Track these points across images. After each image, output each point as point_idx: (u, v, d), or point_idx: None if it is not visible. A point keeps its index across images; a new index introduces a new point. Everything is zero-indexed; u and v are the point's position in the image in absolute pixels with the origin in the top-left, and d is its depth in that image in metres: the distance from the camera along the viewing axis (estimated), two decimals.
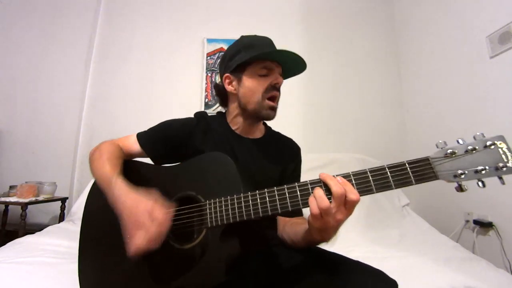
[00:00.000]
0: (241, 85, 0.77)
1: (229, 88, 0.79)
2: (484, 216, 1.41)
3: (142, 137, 0.80)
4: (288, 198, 0.53)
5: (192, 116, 0.85)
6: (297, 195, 0.52)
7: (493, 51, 1.38)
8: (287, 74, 0.81)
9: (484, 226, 1.38)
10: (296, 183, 0.53)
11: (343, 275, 0.53)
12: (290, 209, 0.52)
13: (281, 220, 0.76)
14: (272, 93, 0.75)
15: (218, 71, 2.15)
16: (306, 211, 0.76)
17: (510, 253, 1.27)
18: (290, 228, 0.70)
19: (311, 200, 0.49)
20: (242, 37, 0.81)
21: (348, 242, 1.24)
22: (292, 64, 0.77)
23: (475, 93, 1.50)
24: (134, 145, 0.79)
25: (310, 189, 0.51)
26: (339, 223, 0.50)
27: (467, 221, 1.50)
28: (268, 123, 0.90)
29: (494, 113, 1.38)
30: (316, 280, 0.56)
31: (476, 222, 1.43)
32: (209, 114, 0.86)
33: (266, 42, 0.78)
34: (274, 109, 0.77)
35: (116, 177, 0.61)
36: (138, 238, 0.52)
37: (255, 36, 0.80)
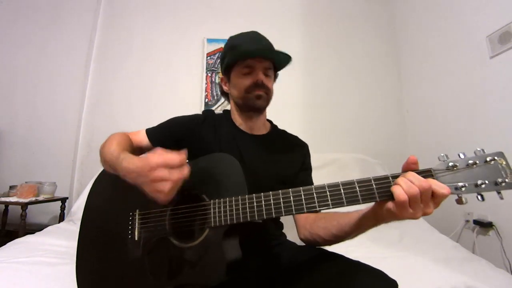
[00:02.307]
0: (230, 85, 0.82)
1: (225, 88, 0.86)
2: (484, 216, 1.41)
3: (151, 132, 0.82)
4: (292, 202, 0.53)
5: (200, 113, 0.87)
6: (302, 199, 0.52)
7: (493, 51, 1.38)
8: (280, 64, 0.82)
9: (484, 226, 1.38)
10: (300, 188, 0.53)
11: (344, 275, 0.53)
12: (294, 212, 0.53)
13: (305, 218, 0.72)
14: (255, 91, 0.76)
15: (218, 71, 2.18)
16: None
17: (510, 253, 1.27)
18: (327, 222, 0.65)
19: (396, 187, 0.46)
20: (229, 38, 0.84)
21: (348, 242, 1.23)
22: (274, 57, 0.79)
23: (475, 93, 1.50)
24: (144, 140, 0.81)
25: (314, 194, 0.52)
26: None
27: (467, 221, 1.50)
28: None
29: (494, 113, 1.38)
30: (316, 280, 0.57)
31: (476, 222, 1.43)
32: (216, 112, 0.88)
33: (248, 40, 0.79)
34: (259, 98, 0.77)
35: (124, 152, 0.62)
36: (162, 189, 0.50)
37: (240, 34, 0.82)
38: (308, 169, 0.86)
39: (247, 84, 0.77)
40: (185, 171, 0.53)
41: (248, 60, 0.77)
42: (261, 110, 0.81)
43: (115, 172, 0.62)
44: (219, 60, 2.20)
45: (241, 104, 0.80)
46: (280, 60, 0.80)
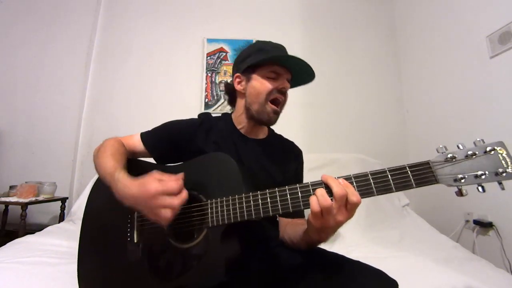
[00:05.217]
0: (249, 85, 0.79)
1: (238, 87, 0.82)
2: (484, 216, 1.41)
3: (145, 136, 0.81)
4: (289, 199, 0.53)
5: (196, 117, 0.86)
6: (298, 196, 0.52)
7: (493, 51, 1.38)
8: (295, 82, 0.83)
9: (484, 226, 1.38)
10: (297, 184, 0.53)
11: (344, 275, 0.53)
12: (291, 210, 0.52)
13: (283, 221, 0.77)
14: (276, 96, 0.76)
15: (218, 71, 2.18)
16: (307, 213, 0.77)
17: (510, 253, 1.27)
18: (291, 229, 0.70)
19: (313, 198, 0.49)
20: (257, 41, 0.83)
21: (348, 242, 1.24)
22: (300, 73, 0.78)
23: (475, 93, 1.50)
24: (138, 144, 0.79)
25: (311, 190, 0.52)
26: (338, 224, 0.50)
27: (467, 221, 1.50)
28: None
29: (494, 113, 1.38)
30: (317, 280, 0.57)
31: (476, 222, 1.43)
32: (213, 115, 0.87)
33: (277, 48, 0.79)
34: (277, 113, 0.78)
35: (118, 171, 0.61)
36: (164, 212, 0.51)
37: (269, 42, 0.81)
38: (300, 178, 0.86)
39: (270, 87, 0.75)
40: (184, 195, 0.53)
41: (276, 66, 0.76)
42: (270, 125, 0.82)
43: (108, 186, 0.61)
44: (219, 60, 2.20)
45: (252, 111, 0.78)
46: (308, 77, 0.80)
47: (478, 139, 0.46)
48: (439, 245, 1.18)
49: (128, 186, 0.56)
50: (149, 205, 0.52)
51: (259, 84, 0.76)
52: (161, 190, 0.52)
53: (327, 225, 0.50)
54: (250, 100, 0.78)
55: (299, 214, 0.75)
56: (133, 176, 0.59)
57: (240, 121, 0.83)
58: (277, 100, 0.77)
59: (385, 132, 2.14)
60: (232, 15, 2.27)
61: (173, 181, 0.53)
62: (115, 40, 2.23)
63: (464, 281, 0.83)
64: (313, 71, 0.77)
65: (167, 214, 0.51)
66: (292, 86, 0.83)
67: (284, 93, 0.78)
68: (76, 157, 2.04)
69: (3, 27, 2.23)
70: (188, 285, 0.56)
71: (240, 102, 0.83)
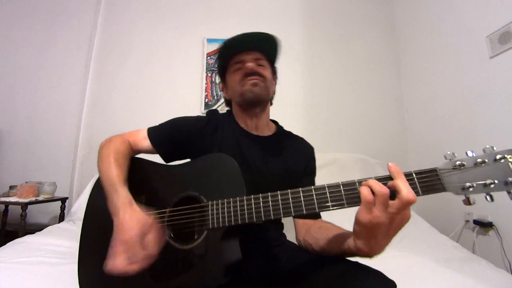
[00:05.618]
0: (228, 87, 0.84)
1: (225, 95, 0.87)
2: (484, 216, 1.41)
3: (152, 132, 0.80)
4: (291, 203, 0.52)
5: (204, 114, 0.87)
6: (301, 199, 0.51)
7: (493, 51, 1.38)
8: (271, 53, 0.82)
9: (484, 226, 1.38)
10: (299, 189, 0.52)
11: (343, 276, 0.53)
12: (293, 214, 0.52)
13: (302, 223, 0.72)
14: (248, 80, 0.76)
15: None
16: (324, 216, 0.76)
17: (510, 253, 1.27)
18: (319, 233, 0.64)
19: (364, 188, 0.43)
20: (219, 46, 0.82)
21: None
22: (264, 43, 0.78)
23: (475, 93, 1.50)
24: (144, 141, 0.79)
25: (314, 195, 0.50)
26: (393, 225, 0.44)
27: (467, 221, 1.50)
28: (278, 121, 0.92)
29: (494, 113, 1.38)
30: (316, 281, 0.56)
31: (476, 222, 1.43)
32: (220, 112, 0.88)
33: (233, 40, 0.77)
34: (255, 85, 0.75)
35: (120, 185, 0.60)
36: (121, 260, 0.50)
37: (227, 39, 0.78)
38: (312, 173, 0.84)
39: (238, 77, 0.77)
40: (142, 266, 0.52)
41: (236, 56, 0.78)
42: (260, 100, 0.78)
43: (106, 195, 0.61)
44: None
45: (240, 101, 0.78)
46: (267, 48, 0.79)
47: (487, 146, 0.44)
48: (439, 245, 1.18)
49: (124, 208, 0.55)
50: (119, 241, 0.52)
51: (231, 81, 0.81)
52: (136, 244, 0.51)
53: (378, 222, 0.43)
54: (234, 98, 0.82)
55: (314, 215, 0.72)
56: (135, 179, 0.59)
57: (241, 121, 0.83)
58: (252, 82, 0.75)
59: (385, 132, 2.13)
60: (232, 15, 2.27)
61: (155, 240, 0.53)
62: (115, 40, 2.23)
63: (464, 281, 0.83)
64: (267, 34, 0.76)
65: (122, 262, 0.50)
66: (271, 57, 0.83)
67: (253, 73, 0.75)
68: (76, 157, 2.04)
69: (3, 27, 2.23)
70: (188, 286, 0.56)
71: (234, 105, 0.85)
